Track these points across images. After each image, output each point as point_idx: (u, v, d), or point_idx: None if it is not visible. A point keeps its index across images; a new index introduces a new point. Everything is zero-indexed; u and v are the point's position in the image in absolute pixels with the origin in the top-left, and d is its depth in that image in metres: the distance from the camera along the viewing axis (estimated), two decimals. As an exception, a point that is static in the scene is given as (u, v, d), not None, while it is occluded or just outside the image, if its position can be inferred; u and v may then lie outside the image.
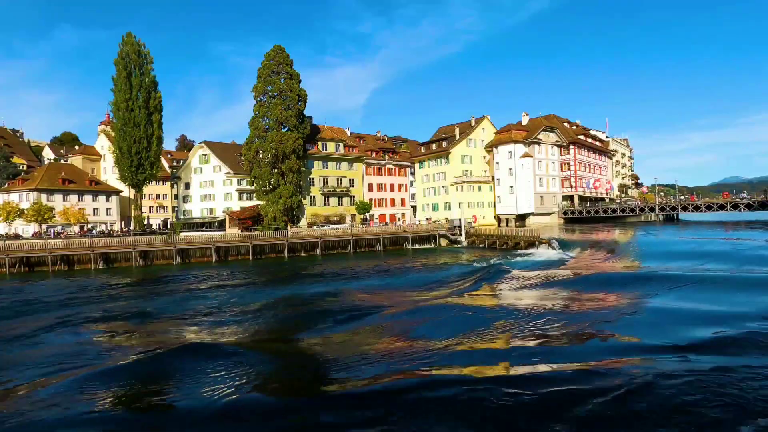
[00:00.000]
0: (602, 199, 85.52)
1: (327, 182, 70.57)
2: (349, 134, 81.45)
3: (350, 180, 73.61)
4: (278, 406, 10.82)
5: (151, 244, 47.79)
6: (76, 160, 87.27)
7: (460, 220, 63.32)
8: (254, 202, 67.95)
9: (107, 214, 76.24)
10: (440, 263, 41.64)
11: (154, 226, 75.02)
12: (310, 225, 65.00)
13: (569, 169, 78.19)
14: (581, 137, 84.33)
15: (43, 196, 67.15)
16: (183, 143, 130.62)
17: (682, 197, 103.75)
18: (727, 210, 65.48)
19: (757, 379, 10.42)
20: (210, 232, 56.81)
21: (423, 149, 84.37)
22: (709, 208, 68.88)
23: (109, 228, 71.69)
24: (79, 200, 71.88)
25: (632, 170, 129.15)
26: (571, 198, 79.36)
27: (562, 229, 64.13)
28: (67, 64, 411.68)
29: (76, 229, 65.68)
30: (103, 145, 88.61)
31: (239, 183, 75.04)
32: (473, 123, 79.92)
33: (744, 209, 63.58)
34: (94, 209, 74.47)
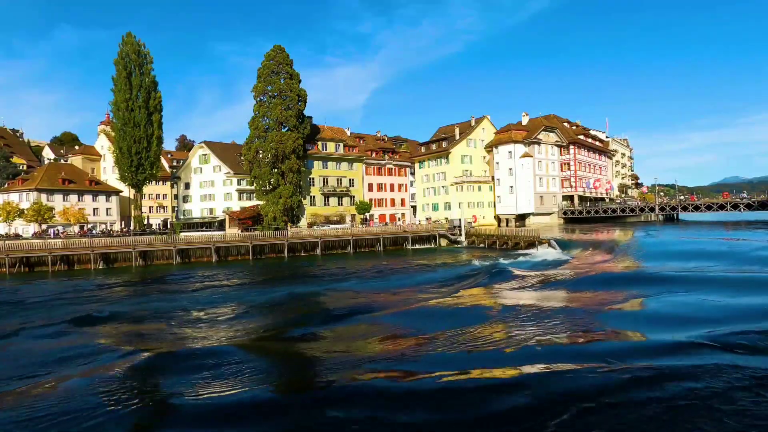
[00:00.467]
0: (602, 199, 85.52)
1: (327, 182, 70.57)
2: (349, 134, 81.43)
3: (350, 180, 73.61)
4: (278, 405, 10.82)
5: (151, 244, 47.80)
6: (76, 160, 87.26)
7: (460, 220, 63.32)
8: (254, 202, 67.94)
9: (107, 214, 76.24)
10: (440, 263, 41.64)
11: (154, 226, 74.98)
12: (310, 225, 64.99)
13: (569, 169, 78.19)
14: (581, 137, 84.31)
15: (43, 196, 67.15)
16: (183, 143, 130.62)
17: (682, 197, 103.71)
18: (727, 210, 65.48)
19: (756, 379, 10.43)
20: (210, 232, 56.81)
21: (423, 149, 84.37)
22: (709, 208, 68.89)
23: (109, 228, 71.67)
24: (79, 200, 71.86)
25: (632, 170, 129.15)
26: (571, 198, 79.35)
27: (562, 229, 64.12)
28: (67, 64, 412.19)
29: (76, 229, 65.67)
30: (103, 145, 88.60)
31: (239, 183, 75.04)
32: (473, 123, 79.91)
33: (744, 209, 63.58)
34: (94, 209, 74.47)
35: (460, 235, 60.73)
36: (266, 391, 11.57)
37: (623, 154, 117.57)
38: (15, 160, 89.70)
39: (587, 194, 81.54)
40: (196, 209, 77.16)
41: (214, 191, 76.45)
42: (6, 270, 40.39)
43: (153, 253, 46.54)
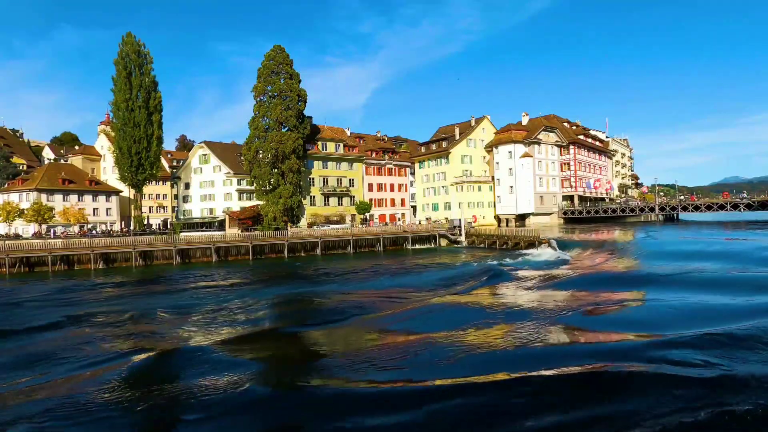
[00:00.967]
0: (602, 199, 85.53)
1: (327, 182, 70.56)
2: (349, 134, 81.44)
3: (350, 180, 73.60)
4: (278, 404, 10.83)
5: (151, 244, 47.80)
6: (76, 160, 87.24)
7: (460, 220, 63.31)
8: (254, 202, 67.93)
9: (107, 214, 76.23)
10: (440, 263, 41.64)
11: (154, 226, 74.98)
12: (310, 225, 64.98)
13: (569, 169, 78.19)
14: (581, 137, 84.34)
15: (43, 196, 67.14)
16: (183, 143, 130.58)
17: (682, 197, 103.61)
18: (727, 210, 65.49)
19: (756, 377, 10.43)
20: (210, 232, 56.81)
21: (423, 149, 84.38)
22: (709, 208, 68.89)
23: (109, 228, 71.68)
24: (79, 200, 71.85)
25: (632, 170, 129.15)
26: (571, 198, 79.36)
27: (562, 229, 64.15)
28: (67, 64, 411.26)
29: (76, 229, 65.67)
30: (103, 145, 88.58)
31: (239, 183, 75.04)
32: (473, 123, 79.93)
33: (744, 209, 63.58)
34: (94, 209, 74.46)
35: (460, 235, 60.72)
36: (264, 391, 11.58)
37: (623, 154, 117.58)
38: (15, 160, 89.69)
39: (587, 194, 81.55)
40: (196, 209, 77.16)
41: (214, 191, 76.44)
42: (6, 270, 40.38)
43: (153, 253, 46.53)
